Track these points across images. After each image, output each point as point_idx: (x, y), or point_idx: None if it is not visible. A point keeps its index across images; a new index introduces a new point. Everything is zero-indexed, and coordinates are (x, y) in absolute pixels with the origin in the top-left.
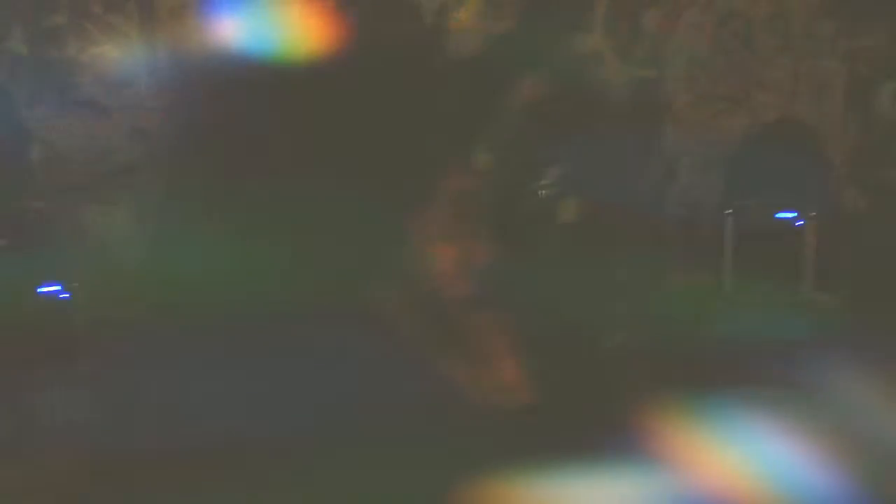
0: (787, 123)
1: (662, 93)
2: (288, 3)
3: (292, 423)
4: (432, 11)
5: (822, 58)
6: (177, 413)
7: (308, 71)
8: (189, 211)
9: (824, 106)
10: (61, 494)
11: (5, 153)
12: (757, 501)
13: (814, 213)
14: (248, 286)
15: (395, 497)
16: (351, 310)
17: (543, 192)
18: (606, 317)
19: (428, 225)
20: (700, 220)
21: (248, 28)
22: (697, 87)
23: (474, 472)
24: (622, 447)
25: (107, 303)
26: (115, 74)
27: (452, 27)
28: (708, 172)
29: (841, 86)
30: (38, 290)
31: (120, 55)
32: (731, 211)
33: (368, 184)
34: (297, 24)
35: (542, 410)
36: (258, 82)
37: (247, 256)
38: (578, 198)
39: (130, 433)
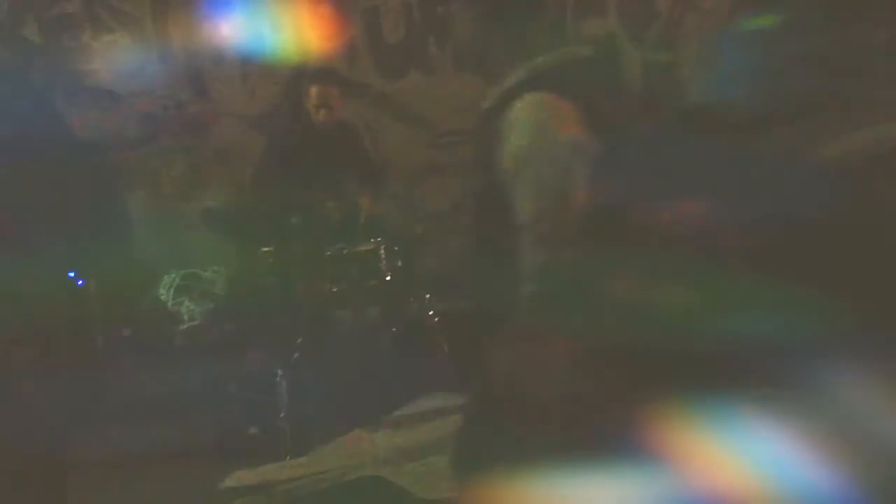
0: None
1: (676, 76)
2: None
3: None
4: None
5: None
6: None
7: None
8: None
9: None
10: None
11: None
12: (757, 501)
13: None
14: None
15: (397, 496)
16: None
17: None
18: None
19: None
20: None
21: (258, 19)
22: (711, 70)
23: (474, 472)
24: (623, 447)
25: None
26: (128, 62)
27: None
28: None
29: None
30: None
31: (132, 42)
32: None
33: None
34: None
35: (543, 410)
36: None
37: None
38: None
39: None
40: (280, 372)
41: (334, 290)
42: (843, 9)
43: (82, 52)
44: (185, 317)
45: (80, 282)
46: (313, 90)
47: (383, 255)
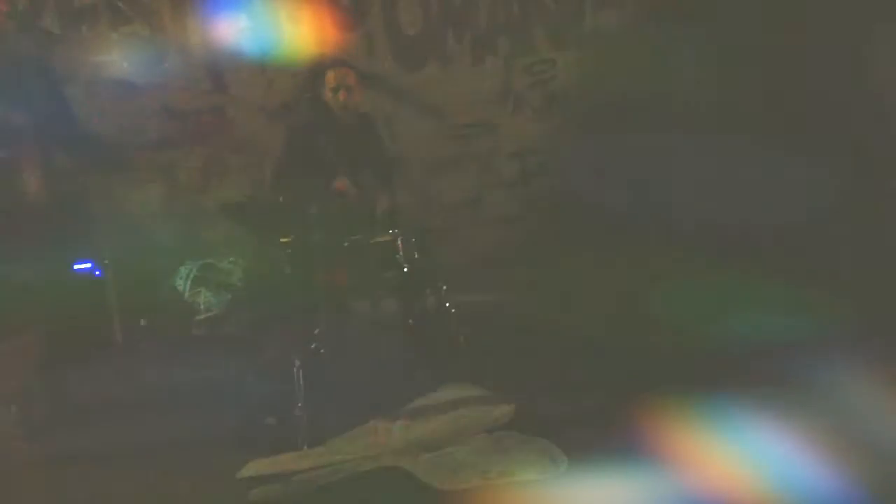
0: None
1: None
2: None
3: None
4: None
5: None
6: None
7: None
8: None
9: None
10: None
11: (42, 132)
12: (757, 501)
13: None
14: None
15: (413, 487)
16: None
17: None
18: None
19: None
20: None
21: (276, 11)
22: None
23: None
24: (623, 447)
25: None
26: (146, 53)
27: None
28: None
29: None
30: (73, 267)
31: (150, 34)
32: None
33: None
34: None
35: (545, 410)
36: None
37: None
38: None
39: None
40: (297, 362)
41: (352, 281)
42: None
43: (100, 43)
44: (202, 307)
45: (96, 272)
46: (330, 74)
47: (401, 247)
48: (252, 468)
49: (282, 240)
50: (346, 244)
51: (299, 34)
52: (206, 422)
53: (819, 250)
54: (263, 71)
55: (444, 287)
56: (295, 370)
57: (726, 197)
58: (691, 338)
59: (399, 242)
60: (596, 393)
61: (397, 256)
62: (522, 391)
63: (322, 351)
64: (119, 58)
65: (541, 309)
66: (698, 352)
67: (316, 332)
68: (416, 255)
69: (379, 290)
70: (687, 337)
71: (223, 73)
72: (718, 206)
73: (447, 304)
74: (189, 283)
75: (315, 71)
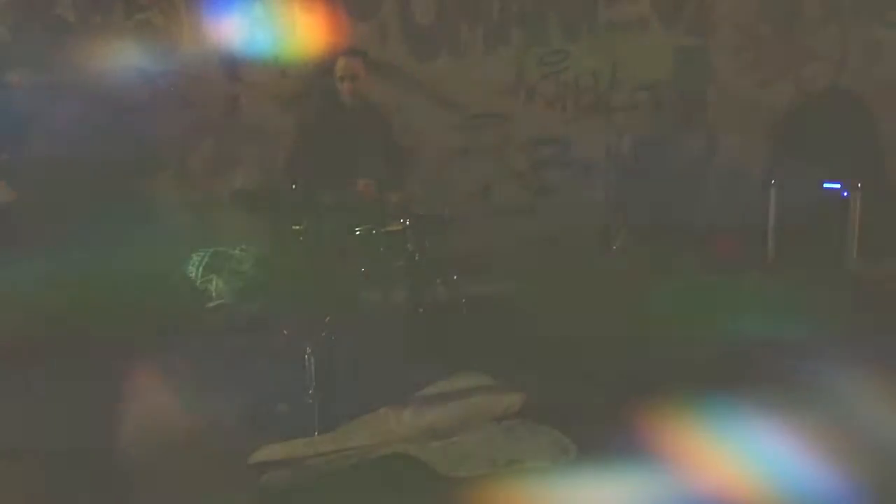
0: (835, 93)
1: (707, 61)
2: None
3: None
4: None
5: (872, 26)
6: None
7: None
8: None
9: (873, 75)
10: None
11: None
12: (757, 501)
13: (860, 185)
14: None
15: (422, 474)
16: None
17: None
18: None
19: None
20: (743, 191)
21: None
22: (743, 55)
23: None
24: (632, 436)
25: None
26: (160, 42)
27: None
28: (753, 143)
29: (891, 54)
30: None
31: (164, 21)
32: (775, 182)
33: None
34: None
35: (544, 409)
36: None
37: None
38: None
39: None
40: (308, 350)
41: (363, 269)
42: None
43: (115, 31)
44: (214, 294)
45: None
46: (339, 62)
47: (412, 236)
48: (263, 454)
49: (293, 228)
50: (357, 233)
51: (312, 23)
52: (219, 408)
53: None
54: (276, 60)
55: (455, 276)
56: (306, 357)
57: (732, 195)
58: (697, 333)
59: (410, 231)
60: (605, 383)
61: (408, 245)
62: (532, 380)
63: (333, 338)
64: (133, 46)
65: (550, 299)
66: (702, 348)
67: (327, 319)
68: (427, 245)
69: (389, 279)
70: (692, 332)
71: (236, 62)
72: (726, 202)
73: (457, 294)
74: (201, 270)
75: (327, 60)
